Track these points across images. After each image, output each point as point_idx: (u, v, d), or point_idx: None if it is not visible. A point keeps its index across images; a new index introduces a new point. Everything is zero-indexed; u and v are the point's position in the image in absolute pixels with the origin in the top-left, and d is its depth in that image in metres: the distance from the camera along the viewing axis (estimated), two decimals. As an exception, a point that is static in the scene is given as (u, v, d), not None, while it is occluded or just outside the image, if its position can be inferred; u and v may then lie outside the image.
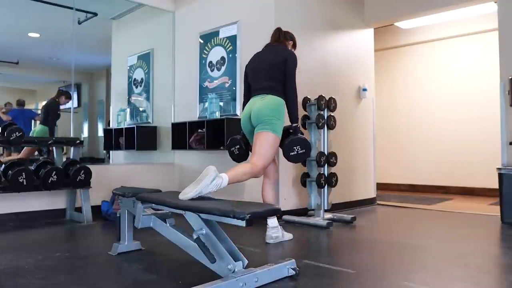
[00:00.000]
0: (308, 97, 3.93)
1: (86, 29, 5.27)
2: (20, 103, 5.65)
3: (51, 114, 5.37)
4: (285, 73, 3.01)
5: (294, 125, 3.03)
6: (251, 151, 3.05)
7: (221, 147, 4.27)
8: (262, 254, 2.73)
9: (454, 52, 6.44)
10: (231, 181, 2.50)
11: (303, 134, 3.09)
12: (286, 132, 3.05)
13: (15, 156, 5.02)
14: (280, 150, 3.07)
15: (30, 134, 5.23)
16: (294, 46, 3.33)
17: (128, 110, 5.75)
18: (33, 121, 5.76)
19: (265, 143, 2.85)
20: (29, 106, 6.02)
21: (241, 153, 3.21)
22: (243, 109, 3.15)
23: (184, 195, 2.23)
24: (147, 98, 5.55)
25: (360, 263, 2.52)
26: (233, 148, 3.24)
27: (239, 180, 2.67)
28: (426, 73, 6.71)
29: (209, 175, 2.29)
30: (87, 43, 5.66)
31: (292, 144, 3.00)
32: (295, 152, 3.00)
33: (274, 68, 3.02)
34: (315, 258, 2.60)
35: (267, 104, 2.93)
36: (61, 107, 5.38)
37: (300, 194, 4.17)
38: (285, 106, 3.01)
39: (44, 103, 5.96)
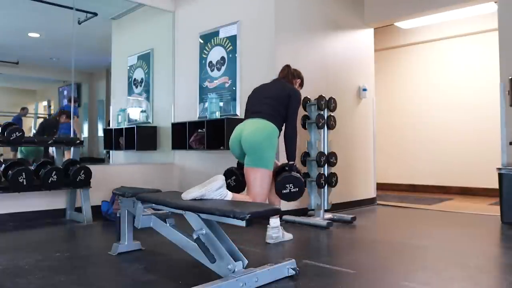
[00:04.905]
0: (308, 97, 3.93)
1: (86, 29, 5.27)
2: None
3: (46, 131, 5.36)
4: (287, 109, 2.97)
5: (291, 163, 2.98)
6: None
7: (221, 147, 4.27)
8: (262, 254, 2.74)
9: (454, 52, 6.43)
10: (234, 199, 2.48)
11: (299, 172, 3.01)
12: (282, 168, 2.99)
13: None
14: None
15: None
16: (301, 84, 3.33)
17: (127, 110, 5.76)
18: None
19: (258, 181, 2.81)
20: (28, 106, 6.02)
21: (238, 184, 3.13)
22: None
23: (187, 194, 2.24)
24: (147, 98, 5.55)
25: (360, 263, 2.52)
26: (229, 180, 3.16)
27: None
28: (426, 73, 6.71)
29: (216, 182, 2.29)
30: (87, 43, 5.66)
31: (285, 181, 2.90)
32: (288, 190, 2.90)
33: (277, 100, 2.98)
34: (315, 258, 2.60)
35: (259, 130, 2.85)
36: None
37: (300, 194, 4.17)
38: (277, 135, 2.92)
39: (44, 103, 5.97)
